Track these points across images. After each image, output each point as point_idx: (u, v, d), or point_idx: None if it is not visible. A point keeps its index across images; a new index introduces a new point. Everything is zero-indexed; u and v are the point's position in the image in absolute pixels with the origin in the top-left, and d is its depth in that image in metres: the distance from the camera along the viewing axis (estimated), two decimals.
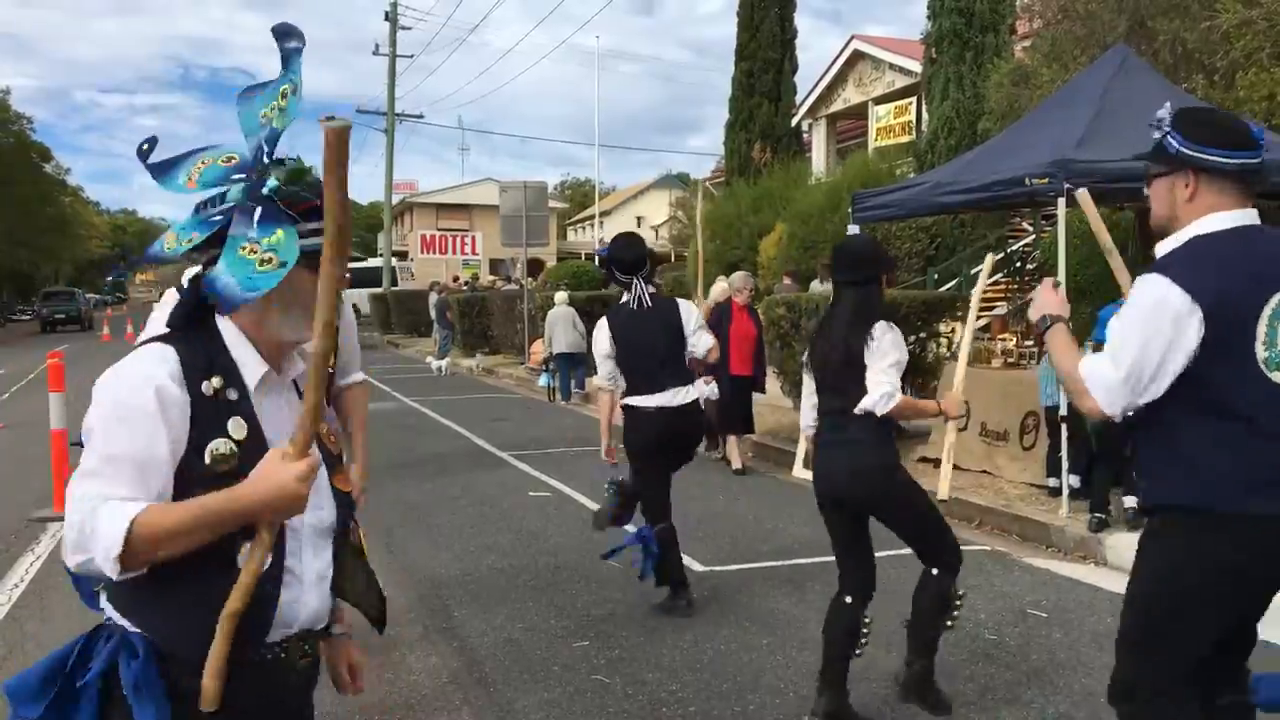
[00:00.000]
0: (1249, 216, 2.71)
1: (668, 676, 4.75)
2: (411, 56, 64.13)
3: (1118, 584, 6.11)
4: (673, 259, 33.03)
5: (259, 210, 1.86)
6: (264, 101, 1.96)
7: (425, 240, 51.75)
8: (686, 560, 6.11)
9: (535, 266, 27.07)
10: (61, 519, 7.41)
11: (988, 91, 13.91)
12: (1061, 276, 7.50)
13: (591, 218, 51.79)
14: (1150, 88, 8.28)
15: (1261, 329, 2.60)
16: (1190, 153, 2.70)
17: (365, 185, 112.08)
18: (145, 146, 2.00)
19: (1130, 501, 6.82)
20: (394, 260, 39.72)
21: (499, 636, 5.32)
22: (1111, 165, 7.34)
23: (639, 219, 47.80)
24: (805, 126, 28.84)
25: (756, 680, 4.70)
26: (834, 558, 4.35)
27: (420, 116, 39.38)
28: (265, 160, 1.90)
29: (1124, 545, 6.58)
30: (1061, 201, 7.30)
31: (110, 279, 73.66)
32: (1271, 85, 8.84)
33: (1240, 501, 2.61)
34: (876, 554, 4.35)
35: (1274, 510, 2.60)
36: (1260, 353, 2.61)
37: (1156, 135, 2.78)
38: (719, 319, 9.80)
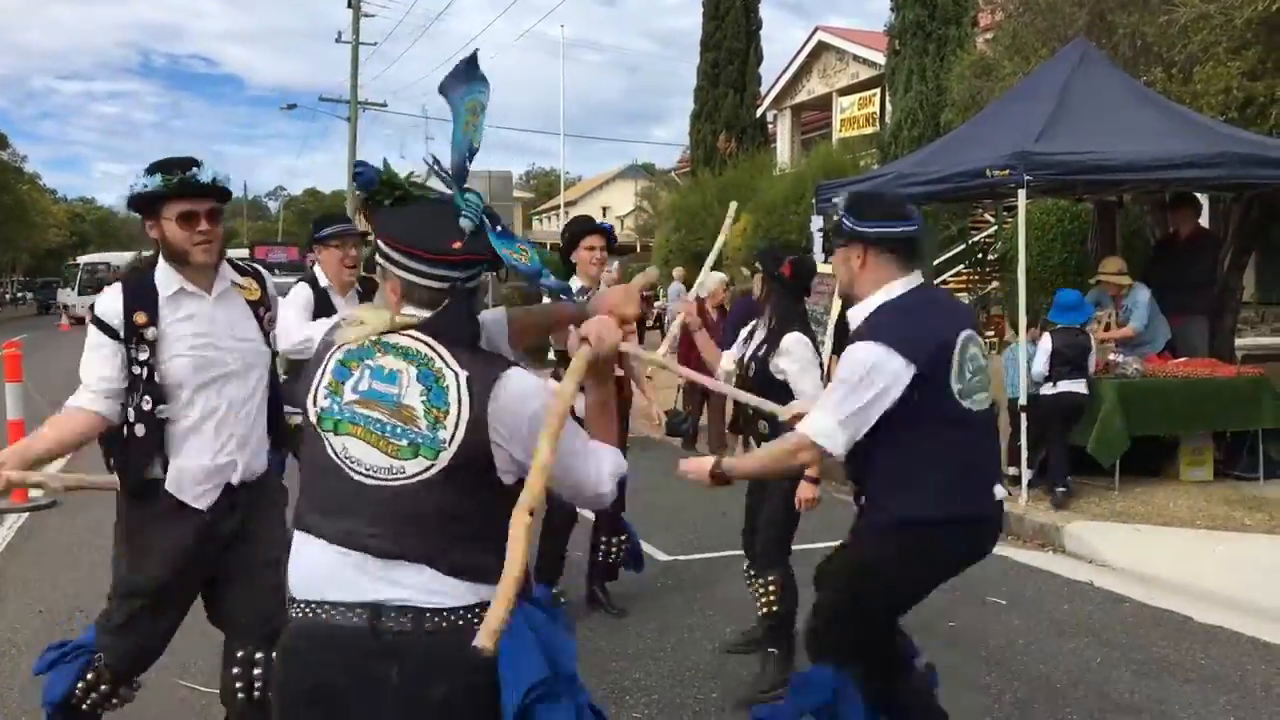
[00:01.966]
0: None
1: (632, 665, 4.77)
2: (375, 44, 63.88)
3: (1076, 571, 6.23)
4: (638, 249, 32.95)
5: (498, 223, 2.07)
6: (461, 108, 2.08)
7: None
8: (650, 550, 6.13)
9: None
10: (18, 510, 7.18)
11: (950, 83, 13.99)
12: (1022, 267, 7.60)
13: (557, 208, 51.63)
14: (1110, 81, 8.40)
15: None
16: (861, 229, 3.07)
17: (327, 174, 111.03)
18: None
19: None
20: None
21: None
22: (1071, 157, 7.44)
23: (604, 209, 47.65)
24: (770, 117, 28.90)
25: (720, 668, 4.72)
26: (791, 542, 4.48)
27: (384, 105, 39.38)
28: (466, 171, 2.09)
29: (1083, 534, 6.67)
30: (1022, 193, 7.38)
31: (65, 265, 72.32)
32: (1228, 78, 8.96)
33: None
34: (812, 545, 4.59)
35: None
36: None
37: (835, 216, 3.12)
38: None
